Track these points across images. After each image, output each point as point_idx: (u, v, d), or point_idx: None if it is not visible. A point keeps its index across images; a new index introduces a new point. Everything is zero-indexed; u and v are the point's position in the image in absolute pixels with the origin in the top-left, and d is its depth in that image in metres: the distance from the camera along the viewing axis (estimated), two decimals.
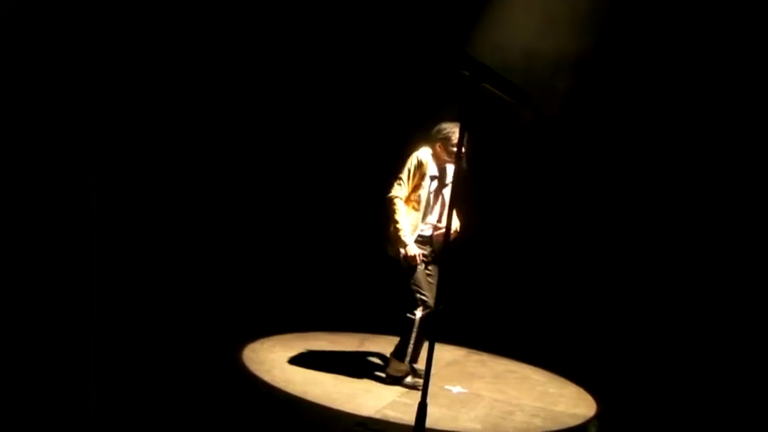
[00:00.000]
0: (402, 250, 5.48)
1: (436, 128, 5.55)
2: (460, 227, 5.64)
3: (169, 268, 7.13)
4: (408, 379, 5.58)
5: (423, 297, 5.49)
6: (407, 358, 5.56)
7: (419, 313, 5.47)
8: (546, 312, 7.73)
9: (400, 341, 5.58)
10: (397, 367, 5.60)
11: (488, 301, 7.71)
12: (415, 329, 5.47)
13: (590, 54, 7.38)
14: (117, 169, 7.11)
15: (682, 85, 7.34)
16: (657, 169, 7.62)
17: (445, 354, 6.57)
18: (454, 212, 5.56)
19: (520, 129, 7.51)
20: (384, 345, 6.10)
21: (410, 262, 5.47)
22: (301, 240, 8.00)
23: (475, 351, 6.94)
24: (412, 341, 5.50)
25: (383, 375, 5.71)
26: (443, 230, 5.35)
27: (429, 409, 4.06)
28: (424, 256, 5.54)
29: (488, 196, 7.75)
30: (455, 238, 5.53)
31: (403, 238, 5.46)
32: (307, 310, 7.17)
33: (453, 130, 5.38)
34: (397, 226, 5.46)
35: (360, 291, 7.42)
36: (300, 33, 7.84)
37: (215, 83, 7.71)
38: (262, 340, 6.28)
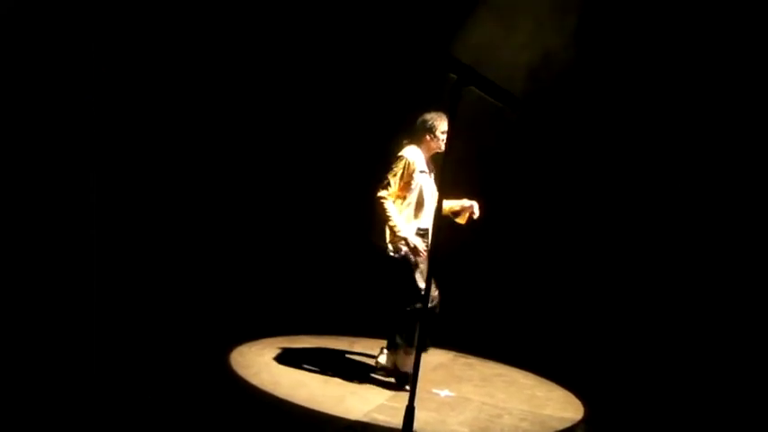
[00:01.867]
0: (404, 245, 5.49)
1: (420, 119, 5.65)
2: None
3: (158, 272, 7.11)
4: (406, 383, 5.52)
5: (423, 291, 5.47)
6: (414, 344, 5.42)
7: (420, 306, 5.47)
8: (534, 316, 7.73)
9: (400, 334, 5.56)
10: (395, 361, 5.64)
11: (476, 304, 7.71)
12: (416, 322, 5.46)
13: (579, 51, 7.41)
14: (116, 171, 7.12)
15: (672, 83, 7.37)
16: (645, 174, 7.64)
17: (433, 357, 6.56)
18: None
19: (510, 132, 7.53)
20: (373, 347, 6.09)
21: (414, 253, 5.49)
22: (289, 244, 7.99)
23: (463, 354, 6.94)
24: (415, 332, 5.45)
25: (381, 370, 5.74)
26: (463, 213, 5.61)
27: (417, 413, 4.05)
28: (424, 249, 5.58)
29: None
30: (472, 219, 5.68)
31: (400, 233, 5.48)
32: (294, 313, 7.16)
33: (438, 119, 5.55)
34: (391, 223, 5.49)
35: (348, 293, 7.41)
36: (286, 32, 7.84)
37: (211, 84, 7.71)
38: (249, 343, 6.26)
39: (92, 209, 6.76)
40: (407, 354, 5.56)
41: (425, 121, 5.60)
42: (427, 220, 5.65)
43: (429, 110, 5.66)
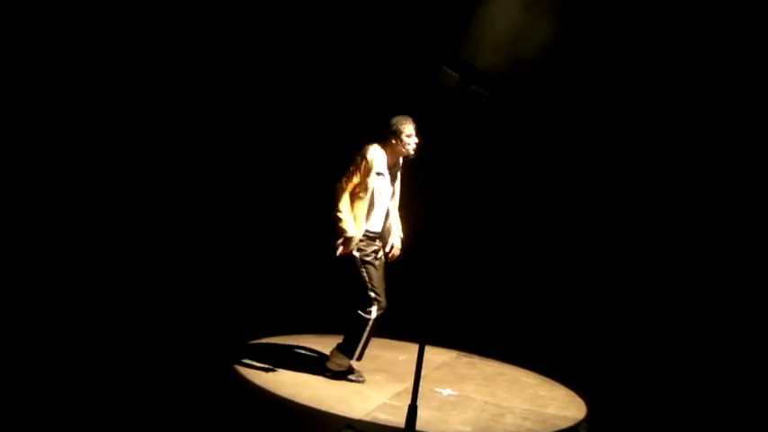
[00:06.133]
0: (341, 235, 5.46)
1: (389, 122, 5.58)
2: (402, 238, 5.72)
3: (160, 272, 7.11)
4: (352, 375, 5.64)
5: (378, 297, 5.50)
6: (356, 356, 5.57)
7: (374, 313, 5.48)
8: (536, 315, 7.73)
9: (348, 337, 5.56)
10: (339, 362, 5.62)
11: (479, 303, 7.71)
12: (368, 329, 5.49)
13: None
14: (117, 172, 7.14)
15: (670, 81, 7.35)
16: (646, 173, 7.63)
17: (436, 356, 6.56)
18: (397, 223, 5.72)
19: (509, 129, 7.53)
20: (376, 346, 6.06)
21: (343, 247, 5.44)
22: (290, 243, 7.98)
23: (465, 353, 6.93)
24: (363, 340, 5.51)
25: (326, 370, 5.66)
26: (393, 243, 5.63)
27: (419, 412, 4.06)
28: (374, 252, 5.58)
29: (477, 198, 7.75)
30: (394, 255, 5.66)
31: (342, 224, 5.44)
32: (296, 312, 7.15)
33: (403, 123, 5.51)
34: (338, 215, 5.46)
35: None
36: (277, 33, 7.84)
37: (214, 84, 7.71)
38: (252, 342, 6.26)
39: (92, 209, 6.77)
40: (342, 358, 5.61)
41: (391, 125, 5.54)
42: (378, 224, 5.62)
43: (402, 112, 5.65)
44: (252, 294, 7.30)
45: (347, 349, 5.57)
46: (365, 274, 5.52)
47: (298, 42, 7.90)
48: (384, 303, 5.51)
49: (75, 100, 6.83)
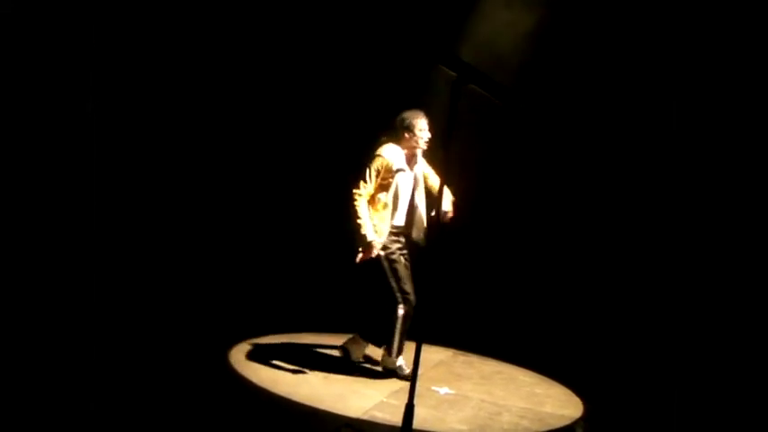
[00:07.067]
0: (366, 246, 5.53)
1: (399, 118, 5.68)
2: (453, 206, 5.77)
3: (157, 270, 7.12)
4: (405, 370, 5.70)
5: (404, 293, 5.61)
6: (395, 353, 5.72)
7: (401, 310, 5.60)
8: (533, 313, 7.74)
9: (387, 337, 5.71)
10: (389, 361, 5.78)
11: (476, 301, 7.72)
12: (398, 326, 5.61)
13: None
14: (115, 172, 7.15)
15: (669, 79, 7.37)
16: (644, 172, 7.64)
17: (432, 355, 6.58)
18: (446, 193, 5.73)
19: (510, 129, 7.54)
20: (372, 346, 6.09)
21: (364, 254, 5.52)
22: (289, 241, 7.99)
23: (462, 352, 6.95)
24: (397, 337, 5.65)
25: (390, 373, 5.81)
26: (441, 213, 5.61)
27: (416, 410, 4.07)
28: (398, 249, 5.68)
29: (473, 196, 7.76)
30: (449, 218, 5.70)
31: (366, 236, 5.52)
32: (294, 310, 7.17)
33: (415, 117, 5.61)
34: (359, 222, 5.54)
35: (348, 290, 7.40)
36: (273, 30, 7.85)
37: (212, 85, 7.72)
38: (249, 340, 6.28)
39: (92, 209, 6.78)
40: (388, 357, 5.76)
41: (403, 120, 5.64)
42: (402, 218, 5.72)
43: (411, 108, 5.72)
44: (251, 293, 7.31)
45: (389, 349, 5.73)
46: (390, 272, 5.62)
47: (296, 43, 7.91)
48: (413, 298, 5.63)
49: (76, 100, 6.85)
